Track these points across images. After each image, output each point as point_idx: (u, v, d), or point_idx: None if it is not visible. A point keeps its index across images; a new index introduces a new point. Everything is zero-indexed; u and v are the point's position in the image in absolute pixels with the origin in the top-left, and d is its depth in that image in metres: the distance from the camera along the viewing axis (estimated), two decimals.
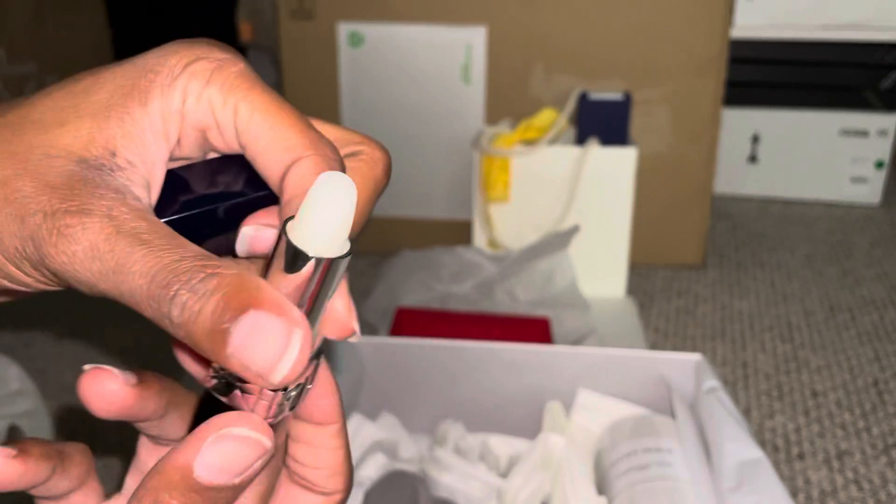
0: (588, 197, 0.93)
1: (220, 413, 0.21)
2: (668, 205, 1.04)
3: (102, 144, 0.22)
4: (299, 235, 0.20)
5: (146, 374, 0.24)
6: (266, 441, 0.21)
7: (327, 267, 0.20)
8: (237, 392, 0.22)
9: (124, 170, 0.22)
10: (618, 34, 0.98)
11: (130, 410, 0.24)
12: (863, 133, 1.24)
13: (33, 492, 0.24)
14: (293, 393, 0.22)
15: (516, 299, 0.88)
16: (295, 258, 0.20)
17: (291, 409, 0.23)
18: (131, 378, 0.24)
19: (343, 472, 0.26)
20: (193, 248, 0.20)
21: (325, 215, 0.20)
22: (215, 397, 0.22)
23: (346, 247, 0.21)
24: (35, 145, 0.21)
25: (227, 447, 0.21)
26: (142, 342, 0.87)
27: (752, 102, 1.27)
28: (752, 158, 1.29)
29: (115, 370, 0.23)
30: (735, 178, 1.30)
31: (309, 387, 0.23)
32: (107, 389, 0.23)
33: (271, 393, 0.22)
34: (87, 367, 0.23)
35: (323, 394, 0.25)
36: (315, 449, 0.26)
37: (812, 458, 0.67)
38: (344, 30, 1.01)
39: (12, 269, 0.21)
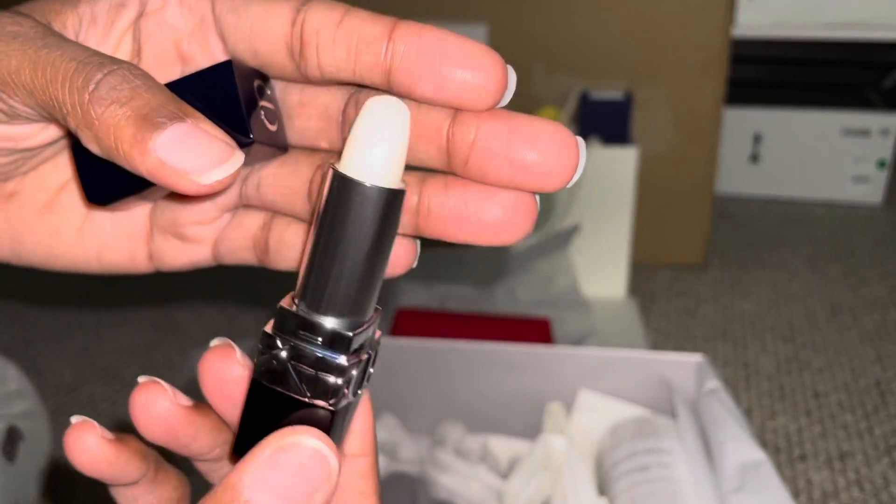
0: (589, 196, 0.93)
1: (269, 403, 0.19)
2: (670, 204, 1.03)
3: None
4: (354, 166, 0.18)
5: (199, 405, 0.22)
6: (333, 460, 0.19)
7: (391, 200, 0.18)
8: (290, 370, 0.19)
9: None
10: (619, 33, 0.97)
11: (178, 436, 0.22)
12: (865, 132, 1.24)
13: (114, 491, 0.22)
14: (353, 372, 0.20)
15: (517, 300, 0.88)
16: (348, 193, 0.18)
17: (354, 393, 0.20)
18: (184, 400, 0.22)
19: None
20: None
21: (382, 139, 0.18)
22: (264, 388, 0.20)
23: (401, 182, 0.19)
24: None
25: (285, 465, 0.18)
26: (140, 343, 0.87)
27: (754, 102, 1.26)
28: (754, 158, 1.29)
29: (166, 386, 0.21)
30: (736, 177, 1.30)
31: (371, 370, 0.21)
32: (159, 407, 0.21)
33: (332, 378, 0.19)
34: (141, 378, 0.21)
35: (357, 413, 0.22)
36: (338, 492, 0.21)
37: (814, 459, 0.67)
38: None
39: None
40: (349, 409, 0.21)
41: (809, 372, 0.80)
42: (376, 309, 0.21)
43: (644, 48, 0.98)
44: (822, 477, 0.65)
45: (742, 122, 1.27)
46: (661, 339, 0.87)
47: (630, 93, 0.93)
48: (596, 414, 0.60)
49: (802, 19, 1.18)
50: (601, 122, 0.92)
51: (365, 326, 0.20)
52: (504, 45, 0.99)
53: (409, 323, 0.77)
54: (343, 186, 0.18)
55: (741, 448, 0.51)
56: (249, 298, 0.98)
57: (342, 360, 0.19)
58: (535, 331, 0.76)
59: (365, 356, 0.20)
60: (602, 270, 0.95)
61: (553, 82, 1.00)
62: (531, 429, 0.62)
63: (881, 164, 1.24)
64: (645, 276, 1.03)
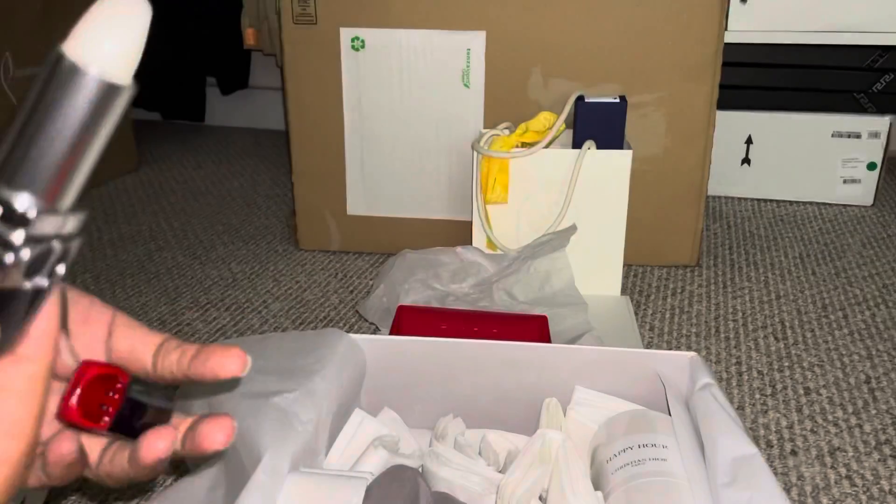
0: (585, 198, 0.94)
1: None
2: (663, 206, 1.05)
3: None
4: (79, 51, 0.17)
5: None
6: None
7: (109, 93, 0.18)
8: None
9: None
10: (614, 39, 0.99)
11: None
12: (855, 135, 1.25)
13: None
14: (27, 252, 0.19)
15: (515, 298, 0.89)
16: (66, 77, 0.17)
17: (28, 276, 0.19)
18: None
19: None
20: None
21: (114, 30, 0.17)
22: None
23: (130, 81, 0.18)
24: None
25: None
26: None
27: (746, 105, 1.28)
28: (746, 160, 1.30)
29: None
30: (729, 179, 1.32)
31: (60, 269, 0.20)
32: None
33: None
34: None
35: (41, 316, 0.22)
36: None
37: (805, 455, 0.68)
38: (346, 35, 1.02)
39: None
40: (20, 298, 0.20)
41: (800, 369, 0.81)
42: (81, 211, 0.20)
43: (639, 53, 0.99)
44: (814, 472, 0.66)
45: (734, 125, 1.28)
46: (655, 336, 0.89)
47: (625, 97, 0.94)
48: (591, 409, 0.61)
49: (793, 24, 1.20)
50: (597, 125, 0.94)
51: (54, 213, 0.19)
52: (502, 51, 1.00)
53: (410, 320, 0.78)
54: (64, 68, 0.18)
55: (733, 443, 0.52)
56: (254, 297, 0.99)
57: (16, 235, 0.18)
58: (533, 328, 0.77)
59: (51, 247, 0.19)
60: (597, 270, 0.96)
61: (550, 87, 1.01)
62: (529, 424, 0.63)
63: (871, 167, 1.26)
64: (639, 275, 1.04)
